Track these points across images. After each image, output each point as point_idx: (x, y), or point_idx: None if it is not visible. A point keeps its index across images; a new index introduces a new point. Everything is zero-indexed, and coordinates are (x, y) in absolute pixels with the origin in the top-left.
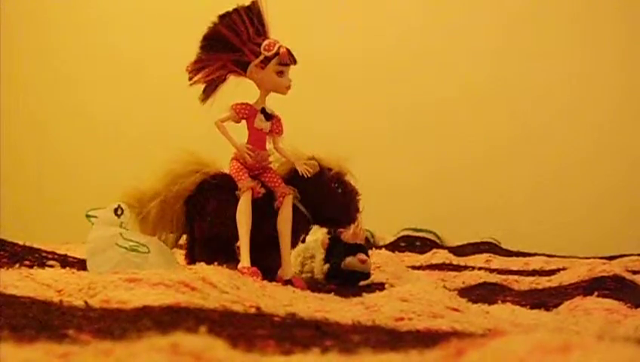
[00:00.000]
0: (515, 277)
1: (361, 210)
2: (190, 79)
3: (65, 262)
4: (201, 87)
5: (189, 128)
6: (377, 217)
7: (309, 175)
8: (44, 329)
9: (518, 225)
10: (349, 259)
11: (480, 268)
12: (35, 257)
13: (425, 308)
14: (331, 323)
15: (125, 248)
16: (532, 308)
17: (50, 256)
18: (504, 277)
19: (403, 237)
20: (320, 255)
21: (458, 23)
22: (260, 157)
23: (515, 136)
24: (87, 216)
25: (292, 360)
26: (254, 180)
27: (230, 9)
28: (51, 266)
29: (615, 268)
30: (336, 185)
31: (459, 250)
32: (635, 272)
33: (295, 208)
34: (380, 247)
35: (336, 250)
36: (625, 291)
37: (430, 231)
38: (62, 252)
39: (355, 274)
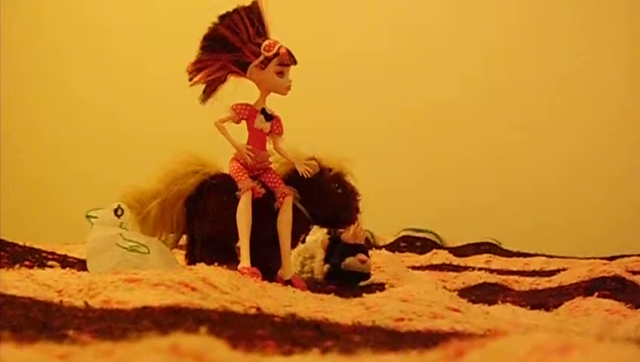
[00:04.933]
0: (515, 277)
1: (361, 210)
2: (190, 80)
3: (65, 262)
4: (201, 87)
5: (189, 128)
6: (377, 217)
7: (309, 175)
8: (44, 330)
9: (518, 225)
10: (349, 260)
11: (480, 269)
12: (35, 257)
13: (425, 308)
14: (331, 323)
15: (125, 248)
16: (532, 308)
17: (50, 256)
18: (504, 277)
19: (403, 237)
20: (320, 255)
21: (458, 22)
22: (260, 157)
23: (515, 137)
24: (87, 217)
25: (292, 360)
26: (254, 181)
27: (230, 9)
28: (51, 267)
29: (615, 268)
30: (336, 185)
31: (459, 251)
32: (635, 273)
33: (295, 208)
34: (380, 248)
35: (336, 250)
36: (625, 292)
37: (430, 232)
38: (62, 252)
39: (355, 275)
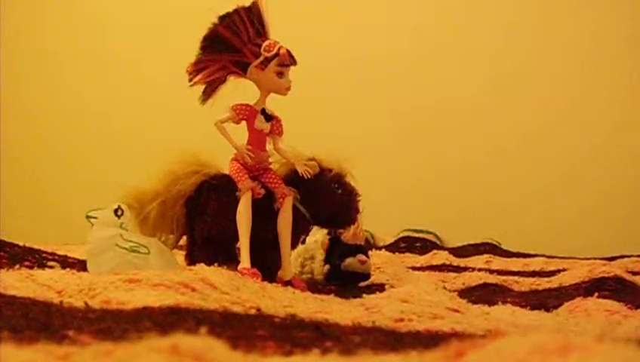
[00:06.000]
0: (515, 278)
1: (361, 210)
2: (190, 80)
3: (65, 262)
4: (201, 87)
5: (189, 129)
6: (377, 218)
7: (309, 176)
8: (44, 330)
9: (518, 225)
10: (349, 260)
11: (480, 269)
12: (35, 258)
13: (425, 309)
14: (331, 324)
15: (125, 249)
16: (532, 309)
17: (50, 256)
18: (504, 278)
19: (403, 238)
20: (320, 256)
21: (459, 23)
22: (260, 158)
23: (515, 138)
24: (88, 217)
25: (292, 361)
26: (254, 181)
27: (230, 10)
28: (51, 267)
29: (615, 269)
30: (336, 185)
31: (459, 251)
32: (635, 273)
33: (295, 209)
34: (380, 248)
35: (336, 250)
36: (625, 292)
37: (430, 232)
38: (62, 253)
39: (355, 275)
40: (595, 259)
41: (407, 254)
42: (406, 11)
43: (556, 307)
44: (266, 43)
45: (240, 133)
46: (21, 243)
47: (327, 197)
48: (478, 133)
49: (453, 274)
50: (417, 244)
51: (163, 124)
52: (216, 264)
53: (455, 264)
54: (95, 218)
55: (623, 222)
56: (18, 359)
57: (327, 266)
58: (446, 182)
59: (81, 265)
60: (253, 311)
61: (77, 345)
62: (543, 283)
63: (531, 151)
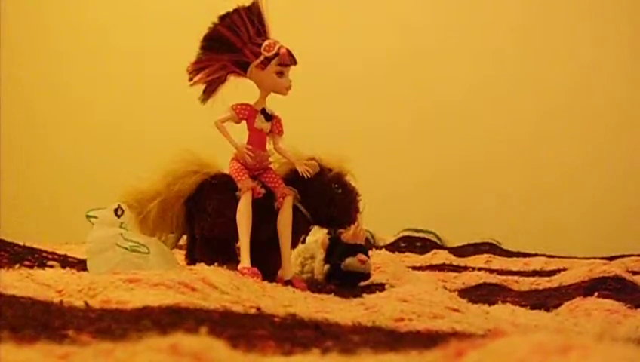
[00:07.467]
0: (515, 277)
1: (361, 210)
2: (190, 80)
3: (65, 262)
4: (202, 87)
5: (189, 128)
6: (377, 218)
7: (309, 175)
8: (44, 330)
9: (518, 225)
10: (349, 260)
11: (480, 269)
12: (35, 257)
13: (425, 308)
14: (331, 323)
15: (125, 248)
16: (532, 308)
17: (50, 256)
18: (504, 277)
19: (403, 237)
20: (320, 255)
21: (459, 23)
22: (260, 157)
23: (515, 137)
24: (88, 217)
25: (292, 360)
26: (254, 181)
27: (230, 9)
28: (51, 267)
29: (615, 268)
30: (336, 185)
31: (459, 251)
32: (635, 273)
33: (295, 209)
34: (380, 248)
35: (336, 250)
36: (625, 292)
37: (430, 232)
38: (62, 252)
39: (355, 275)
40: (595, 258)
41: (408, 254)
42: (406, 11)
43: (556, 306)
44: (267, 42)
45: (240, 132)
46: (21, 243)
47: (327, 197)
48: (479, 132)
49: (453, 274)
50: (417, 244)
51: (163, 124)
52: (216, 263)
53: (455, 263)
54: (95, 217)
55: (623, 222)
56: (18, 358)
57: (327, 266)
58: (446, 182)
59: (81, 265)
60: (253, 311)
61: (77, 344)
62: (543, 283)
63: (531, 151)
